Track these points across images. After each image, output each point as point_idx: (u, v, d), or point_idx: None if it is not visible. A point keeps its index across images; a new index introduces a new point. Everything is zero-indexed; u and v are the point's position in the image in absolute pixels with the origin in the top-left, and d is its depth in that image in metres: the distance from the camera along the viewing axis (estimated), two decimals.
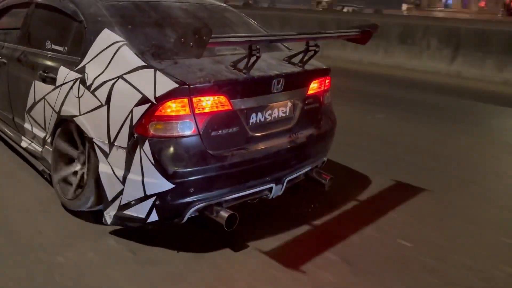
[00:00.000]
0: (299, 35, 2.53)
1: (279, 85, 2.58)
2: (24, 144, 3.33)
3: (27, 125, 3.21)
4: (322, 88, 2.99)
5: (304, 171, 2.92)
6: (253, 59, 2.37)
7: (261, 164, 2.57)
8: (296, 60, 2.79)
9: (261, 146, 2.58)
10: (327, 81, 3.03)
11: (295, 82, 2.72)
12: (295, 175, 2.83)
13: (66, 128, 2.72)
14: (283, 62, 2.79)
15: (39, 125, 3.03)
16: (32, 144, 3.22)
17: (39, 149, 3.11)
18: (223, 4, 3.53)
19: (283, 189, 2.77)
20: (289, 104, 2.75)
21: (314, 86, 2.89)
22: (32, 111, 3.06)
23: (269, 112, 2.63)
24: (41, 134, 3.03)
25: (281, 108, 2.70)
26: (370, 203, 3.20)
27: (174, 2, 3.12)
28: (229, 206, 2.52)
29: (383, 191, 3.38)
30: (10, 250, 2.38)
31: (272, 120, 2.66)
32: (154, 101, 2.20)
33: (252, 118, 2.54)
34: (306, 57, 2.73)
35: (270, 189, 2.67)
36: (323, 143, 3.02)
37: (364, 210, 3.10)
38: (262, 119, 2.60)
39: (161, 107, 2.20)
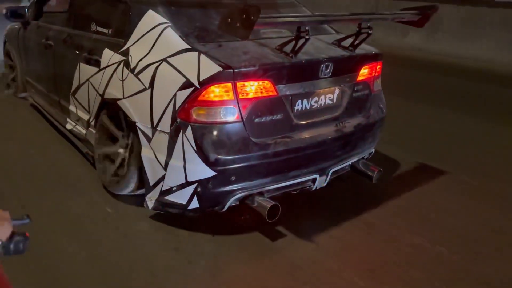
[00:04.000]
0: (351, 16, 2.36)
1: (328, 70, 2.43)
2: (69, 126, 3.37)
3: (72, 107, 3.25)
4: (373, 74, 2.80)
5: (350, 162, 2.77)
6: (301, 41, 2.23)
7: (305, 154, 2.45)
8: (346, 43, 2.62)
9: (306, 134, 2.46)
10: (378, 66, 2.84)
11: (344, 67, 2.56)
12: (340, 166, 2.69)
13: (111, 111, 2.71)
14: (332, 45, 2.63)
15: (83, 107, 3.05)
16: (77, 126, 3.26)
17: (83, 131, 3.13)
18: None
19: (327, 181, 2.64)
20: (337, 91, 2.59)
21: (364, 72, 2.72)
22: (77, 93, 3.08)
23: (316, 99, 2.50)
24: (85, 116, 3.05)
25: (328, 95, 2.55)
26: None
27: None
28: (271, 196, 2.43)
29: None
30: None
31: (319, 107, 2.53)
32: (197, 85, 2.12)
33: (298, 105, 2.41)
34: (358, 41, 2.55)
35: (314, 180, 2.54)
36: (371, 133, 2.85)
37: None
38: (308, 107, 2.46)
39: (204, 92, 2.12)
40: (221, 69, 2.10)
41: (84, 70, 2.91)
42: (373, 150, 2.98)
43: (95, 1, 3.14)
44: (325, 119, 2.57)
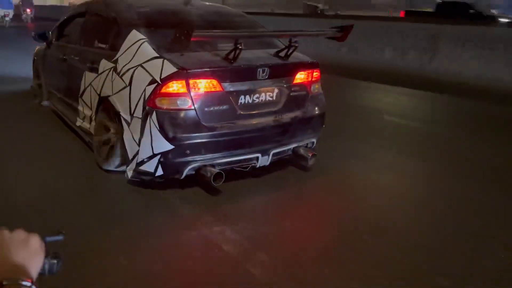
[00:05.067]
0: (277, 32, 3.13)
1: (264, 74, 3.19)
2: (78, 123, 4.23)
3: (80, 107, 4.11)
4: (310, 79, 3.54)
5: (290, 147, 3.48)
6: (238, 51, 3.01)
7: (248, 136, 3.20)
8: (283, 54, 3.39)
9: (249, 122, 3.21)
10: (315, 73, 3.58)
11: (279, 72, 3.32)
12: (280, 150, 3.40)
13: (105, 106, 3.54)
14: (272, 56, 3.40)
15: (87, 106, 3.90)
16: (84, 122, 4.11)
17: (88, 125, 3.98)
18: (237, 10, 4.23)
19: (269, 160, 3.36)
20: (276, 90, 3.34)
21: (300, 77, 3.46)
22: (83, 95, 3.95)
23: (257, 95, 3.25)
24: (89, 113, 3.90)
25: (268, 93, 3.31)
26: None
27: (194, 9, 3.87)
28: (222, 169, 3.16)
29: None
30: None
31: (260, 102, 3.28)
32: (159, 82, 2.93)
33: (241, 99, 3.17)
34: (289, 52, 3.32)
35: (257, 159, 3.27)
36: (309, 125, 3.57)
37: None
38: (250, 101, 3.22)
39: (165, 86, 2.93)
40: (176, 69, 2.91)
41: (88, 76, 3.79)
42: (314, 141, 3.68)
43: (97, 25, 4.05)
44: (266, 111, 3.31)
